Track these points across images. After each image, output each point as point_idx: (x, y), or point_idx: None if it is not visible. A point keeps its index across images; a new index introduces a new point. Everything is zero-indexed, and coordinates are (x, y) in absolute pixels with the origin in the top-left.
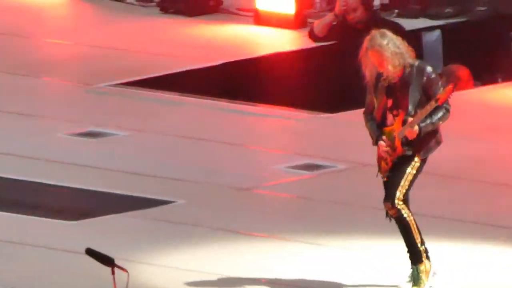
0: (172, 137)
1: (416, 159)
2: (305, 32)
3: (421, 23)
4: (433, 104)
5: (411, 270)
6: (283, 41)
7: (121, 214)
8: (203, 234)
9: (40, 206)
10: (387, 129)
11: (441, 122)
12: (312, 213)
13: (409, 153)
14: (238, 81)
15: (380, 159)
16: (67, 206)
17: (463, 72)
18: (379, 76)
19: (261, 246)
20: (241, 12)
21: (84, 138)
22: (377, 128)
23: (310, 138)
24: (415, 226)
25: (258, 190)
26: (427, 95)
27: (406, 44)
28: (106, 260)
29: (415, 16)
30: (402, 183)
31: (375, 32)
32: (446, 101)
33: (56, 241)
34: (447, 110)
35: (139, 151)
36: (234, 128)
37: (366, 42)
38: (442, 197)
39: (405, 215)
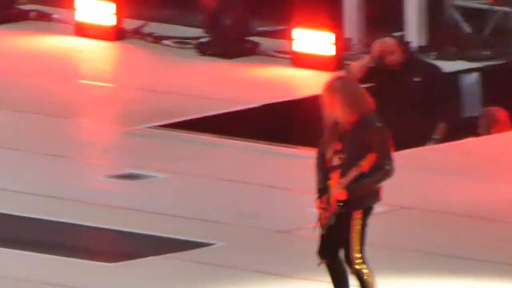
0: (211, 179)
1: (353, 216)
2: (342, 74)
3: (459, 65)
4: (354, 172)
5: None
6: (321, 83)
7: (161, 256)
8: (242, 276)
9: (80, 248)
10: (328, 183)
11: (377, 184)
12: None
13: (342, 210)
14: (277, 123)
15: (319, 211)
16: (107, 248)
17: (501, 114)
18: (335, 120)
19: None
20: (278, 55)
21: (123, 180)
22: (323, 179)
23: None
24: (373, 283)
25: (297, 233)
26: (369, 150)
27: (365, 94)
28: None
29: (453, 58)
30: (352, 243)
31: (336, 76)
32: (371, 168)
33: (96, 284)
34: (385, 172)
35: (178, 193)
36: (273, 170)
37: (324, 84)
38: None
39: (364, 271)
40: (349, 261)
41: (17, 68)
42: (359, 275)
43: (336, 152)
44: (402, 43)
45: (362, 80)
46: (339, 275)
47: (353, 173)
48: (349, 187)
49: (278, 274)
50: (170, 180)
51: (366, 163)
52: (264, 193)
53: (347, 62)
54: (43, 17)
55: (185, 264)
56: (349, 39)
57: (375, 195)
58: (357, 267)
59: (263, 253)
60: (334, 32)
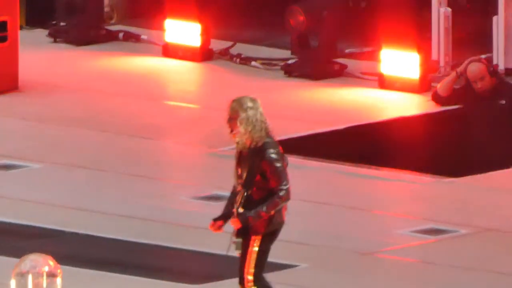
0: (296, 200)
1: (251, 239)
2: (429, 96)
3: None
4: (240, 197)
5: None
6: (407, 105)
7: None
8: None
9: (165, 270)
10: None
11: (273, 210)
12: (435, 277)
13: (239, 241)
14: (362, 145)
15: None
16: (191, 269)
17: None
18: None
19: None
20: (365, 76)
21: (207, 202)
22: (228, 204)
23: (434, 202)
24: None
25: (382, 255)
26: (264, 177)
27: (267, 122)
28: None
29: None
30: (246, 265)
31: (248, 96)
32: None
33: None
34: (280, 197)
35: None
36: (358, 192)
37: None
38: None
39: None
40: (242, 282)
41: (104, 88)
42: None
43: (237, 177)
44: (490, 69)
45: (448, 99)
46: None
47: (239, 199)
48: (241, 216)
49: None
50: None
51: (255, 192)
52: (347, 214)
53: (433, 84)
54: (131, 38)
55: None
56: (436, 61)
57: (276, 220)
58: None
59: (346, 275)
60: (421, 54)
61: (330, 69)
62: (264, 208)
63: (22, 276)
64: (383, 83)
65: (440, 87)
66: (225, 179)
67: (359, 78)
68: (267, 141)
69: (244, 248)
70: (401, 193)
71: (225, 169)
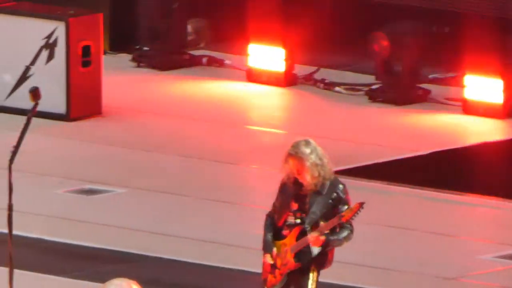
0: (380, 226)
1: (312, 271)
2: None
3: None
4: (336, 220)
5: None
6: (492, 131)
7: None
8: None
9: None
10: (279, 242)
11: (345, 242)
12: None
13: (302, 266)
14: (446, 170)
15: (265, 272)
16: None
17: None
18: (295, 181)
19: None
20: (449, 102)
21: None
22: (272, 238)
23: None
24: None
25: (465, 280)
26: (333, 212)
27: (327, 157)
28: None
29: None
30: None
31: (300, 140)
32: (349, 220)
33: None
34: (351, 231)
35: None
36: (441, 217)
37: (289, 148)
38: None
39: None
40: None
41: (187, 114)
42: None
43: (293, 212)
44: None
45: None
46: None
47: (334, 220)
48: (329, 237)
49: None
50: None
51: (347, 214)
52: (431, 240)
53: None
54: (215, 62)
55: None
56: None
57: (331, 260)
58: None
59: None
60: (505, 80)
61: (413, 95)
62: (341, 238)
63: None
64: (467, 108)
65: None
66: None
67: (443, 104)
68: (335, 178)
69: (299, 282)
70: (485, 219)
71: None
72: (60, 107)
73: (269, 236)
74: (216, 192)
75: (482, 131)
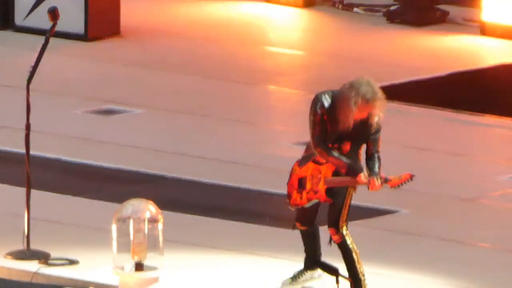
0: (397, 146)
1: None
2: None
3: None
4: (382, 183)
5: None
6: (510, 52)
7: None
8: (428, 244)
9: (265, 215)
10: (314, 164)
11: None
12: None
13: (330, 203)
14: (464, 91)
15: (292, 188)
16: (291, 214)
17: None
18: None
19: (485, 256)
20: (467, 23)
21: None
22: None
23: None
24: (357, 254)
25: (483, 200)
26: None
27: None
28: (332, 270)
29: None
30: (343, 210)
31: (365, 81)
32: (395, 187)
33: (280, 248)
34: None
35: (363, 161)
36: (459, 138)
37: (367, 96)
38: None
39: (348, 242)
40: (336, 226)
41: (206, 34)
42: (344, 241)
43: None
44: None
45: None
46: (316, 238)
47: (378, 176)
48: (381, 179)
49: (461, 242)
50: None
51: (395, 181)
52: (449, 160)
53: None
54: None
55: (370, 231)
56: None
57: None
58: (344, 232)
59: (447, 221)
60: None
61: (432, 16)
62: (379, 172)
63: (123, 221)
64: (485, 29)
65: None
66: None
67: (461, 25)
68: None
69: (342, 195)
70: (503, 140)
71: None
72: (78, 27)
73: (341, 156)
74: (235, 113)
75: (500, 52)
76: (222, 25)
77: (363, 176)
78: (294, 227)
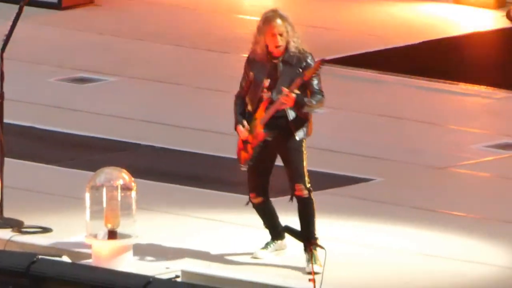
0: (371, 115)
1: (298, 139)
2: (504, 11)
3: None
4: (299, 80)
5: (306, 252)
6: (482, 21)
7: (320, 192)
8: (401, 212)
9: (241, 183)
10: (254, 116)
11: (317, 106)
12: (510, 192)
13: (272, 137)
14: (437, 60)
15: (239, 149)
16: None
17: None
18: (267, 55)
19: (460, 225)
20: None
21: None
22: (243, 113)
23: (509, 117)
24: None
25: (456, 169)
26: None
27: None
28: (305, 238)
29: None
30: (304, 165)
31: (274, 8)
32: (312, 78)
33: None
34: (323, 97)
35: (338, 129)
36: (432, 106)
37: (268, 15)
38: None
39: (312, 196)
40: (304, 181)
41: (179, 2)
42: (308, 198)
43: (266, 88)
44: None
45: None
46: (273, 211)
47: (298, 81)
48: (299, 96)
49: (436, 211)
50: (330, 115)
51: (309, 72)
52: (422, 129)
53: (508, 0)
54: None
55: (344, 199)
56: None
57: (311, 127)
58: (310, 187)
59: (422, 190)
60: None
61: None
62: (314, 102)
63: (96, 189)
64: None
65: None
66: None
67: None
68: (304, 48)
69: (294, 151)
70: (476, 108)
71: None
72: None
73: (241, 109)
74: (209, 81)
75: (473, 21)
76: None
77: (240, 127)
78: (248, 202)
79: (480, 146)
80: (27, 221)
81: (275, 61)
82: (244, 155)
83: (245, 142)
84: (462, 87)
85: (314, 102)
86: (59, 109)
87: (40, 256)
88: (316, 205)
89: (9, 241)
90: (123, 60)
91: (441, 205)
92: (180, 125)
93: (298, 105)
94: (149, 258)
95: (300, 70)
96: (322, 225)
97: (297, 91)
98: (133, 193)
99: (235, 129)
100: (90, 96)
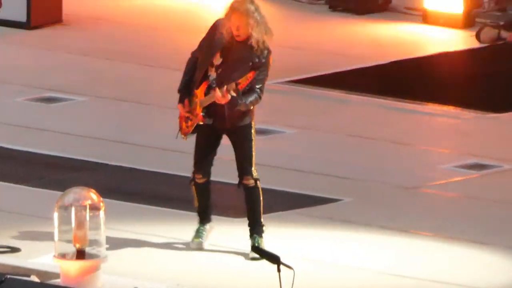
0: (339, 135)
1: (253, 128)
2: (473, 32)
3: None
4: (234, 85)
5: (253, 240)
6: (451, 41)
7: (288, 212)
8: (369, 232)
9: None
10: (195, 91)
11: (251, 105)
12: (478, 212)
13: (209, 122)
14: (406, 80)
15: (181, 119)
16: (235, 203)
17: None
18: (231, 37)
19: (428, 245)
20: (409, 11)
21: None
22: (188, 86)
23: (477, 138)
24: (262, 198)
25: (425, 189)
26: (252, 69)
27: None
28: (273, 258)
29: None
30: (252, 154)
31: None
32: (245, 88)
33: (223, 237)
34: (259, 96)
35: (307, 149)
36: (401, 126)
37: (235, 5)
38: None
39: (259, 185)
40: (251, 173)
41: (147, 22)
42: (256, 187)
43: (215, 66)
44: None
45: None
46: (210, 193)
47: (231, 85)
48: (233, 98)
49: (404, 231)
50: (298, 135)
51: (242, 81)
52: (391, 149)
53: (478, 19)
54: None
55: (312, 219)
56: None
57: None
58: (256, 176)
59: (390, 209)
60: None
61: (374, 4)
62: (248, 102)
63: (65, 209)
64: (427, 18)
65: (483, 37)
66: (271, 113)
67: (403, 13)
68: (267, 45)
69: (243, 138)
70: (444, 129)
71: (270, 103)
72: (20, 14)
73: (187, 80)
74: (176, 101)
75: (442, 41)
76: (163, 14)
77: (180, 107)
78: (192, 182)
79: (448, 166)
80: None
81: (235, 44)
82: (185, 129)
83: (186, 117)
84: (431, 107)
85: (247, 103)
86: (27, 128)
87: (8, 276)
88: (261, 193)
89: None
90: (92, 80)
91: (409, 225)
92: (149, 145)
93: (231, 106)
94: (117, 277)
95: (251, 64)
96: (291, 245)
97: (233, 93)
98: (102, 213)
99: (179, 103)
100: (58, 116)
